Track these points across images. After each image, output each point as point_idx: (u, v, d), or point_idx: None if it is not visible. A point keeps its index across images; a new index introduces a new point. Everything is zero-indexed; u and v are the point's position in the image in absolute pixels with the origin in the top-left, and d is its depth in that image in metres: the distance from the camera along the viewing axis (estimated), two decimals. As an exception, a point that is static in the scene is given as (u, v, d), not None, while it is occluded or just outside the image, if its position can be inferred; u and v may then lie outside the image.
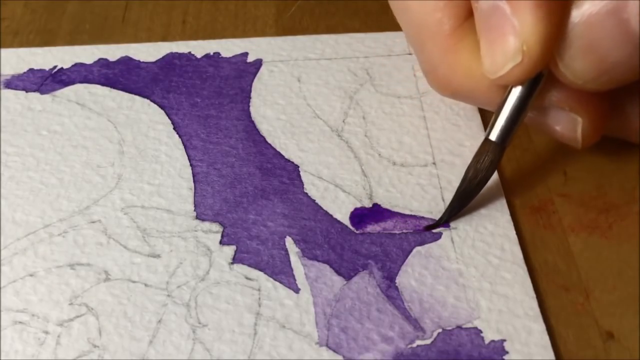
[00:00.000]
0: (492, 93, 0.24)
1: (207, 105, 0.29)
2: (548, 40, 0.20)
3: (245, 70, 0.30)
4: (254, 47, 0.31)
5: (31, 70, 0.31)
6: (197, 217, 0.25)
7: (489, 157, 0.24)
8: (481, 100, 0.25)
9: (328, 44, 0.31)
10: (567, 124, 0.23)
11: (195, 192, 0.26)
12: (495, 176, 0.26)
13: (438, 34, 0.24)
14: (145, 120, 0.28)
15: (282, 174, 0.26)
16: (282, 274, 0.23)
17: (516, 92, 0.23)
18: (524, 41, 0.21)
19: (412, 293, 0.23)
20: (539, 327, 0.21)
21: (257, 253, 0.24)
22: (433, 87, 0.26)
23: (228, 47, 0.31)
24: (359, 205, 0.25)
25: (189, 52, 0.31)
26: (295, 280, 0.23)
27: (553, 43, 0.21)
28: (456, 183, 0.26)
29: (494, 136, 0.23)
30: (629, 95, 0.23)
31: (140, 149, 0.27)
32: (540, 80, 0.22)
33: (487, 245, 0.24)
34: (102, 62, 0.31)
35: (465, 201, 0.24)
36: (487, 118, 0.28)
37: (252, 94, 0.29)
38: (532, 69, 0.21)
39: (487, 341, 0.21)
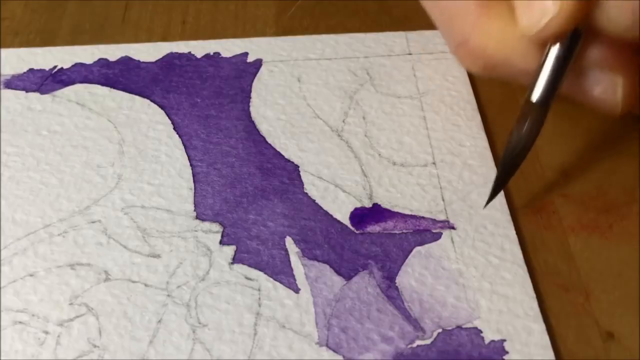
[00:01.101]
0: (529, 56, 0.23)
1: (207, 105, 0.29)
2: None
3: (245, 70, 0.30)
4: (254, 47, 0.31)
5: (31, 70, 0.31)
6: (197, 217, 0.25)
7: (532, 119, 0.23)
8: (517, 65, 0.24)
9: (328, 44, 0.31)
10: (607, 85, 0.23)
11: (195, 192, 0.26)
12: (494, 176, 0.26)
13: (468, 4, 0.23)
14: (145, 120, 0.28)
15: (282, 174, 0.26)
16: (282, 274, 0.23)
17: (555, 51, 0.22)
18: None
19: (412, 293, 0.23)
20: (539, 327, 0.21)
21: (257, 253, 0.24)
22: (465, 62, 0.25)
23: (228, 47, 0.31)
24: (359, 205, 0.25)
25: (189, 52, 0.31)
26: (295, 280, 0.23)
27: None
28: (456, 183, 0.26)
29: (534, 97, 0.23)
30: None
31: (140, 149, 0.27)
32: (579, 38, 0.22)
33: (487, 245, 0.24)
34: (102, 62, 0.31)
35: (512, 169, 0.24)
36: (487, 118, 0.28)
37: (252, 94, 0.29)
38: (569, 21, 0.21)
39: (487, 341, 0.21)
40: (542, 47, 0.22)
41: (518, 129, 0.23)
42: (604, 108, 0.23)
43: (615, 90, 0.23)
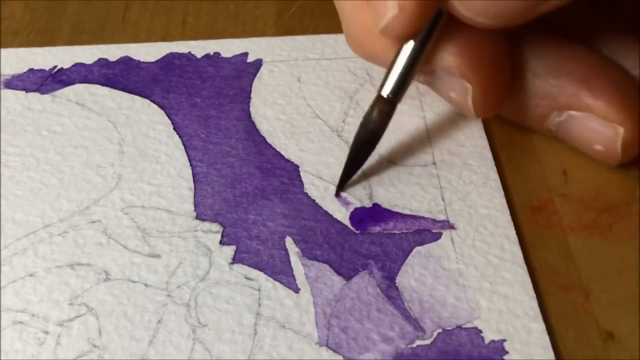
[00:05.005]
0: (389, 51, 0.25)
1: (207, 105, 0.29)
2: None
3: (245, 70, 0.30)
4: (254, 47, 0.31)
5: (31, 70, 0.31)
6: (197, 217, 0.25)
7: (378, 110, 0.25)
8: (382, 59, 0.25)
9: (328, 44, 0.31)
10: (460, 91, 0.24)
11: (195, 192, 0.26)
12: (494, 176, 0.26)
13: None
14: (145, 120, 0.28)
15: (282, 174, 0.26)
16: (282, 274, 0.23)
17: (407, 49, 0.24)
18: None
19: (412, 293, 0.23)
20: (539, 327, 0.21)
21: (257, 253, 0.24)
22: (352, 49, 0.27)
23: (228, 47, 0.31)
24: (359, 205, 0.25)
25: (189, 52, 0.31)
26: (295, 280, 0.23)
27: None
28: (456, 183, 0.26)
29: (385, 92, 0.24)
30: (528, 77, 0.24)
31: (140, 149, 0.27)
32: (431, 35, 0.23)
33: (487, 245, 0.24)
34: (102, 62, 0.31)
35: (361, 158, 0.25)
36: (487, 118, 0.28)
37: (252, 94, 0.29)
38: (412, 20, 0.22)
39: (487, 341, 0.21)
40: (399, 42, 0.24)
41: (366, 118, 0.25)
42: (463, 112, 0.25)
43: (466, 98, 0.24)
